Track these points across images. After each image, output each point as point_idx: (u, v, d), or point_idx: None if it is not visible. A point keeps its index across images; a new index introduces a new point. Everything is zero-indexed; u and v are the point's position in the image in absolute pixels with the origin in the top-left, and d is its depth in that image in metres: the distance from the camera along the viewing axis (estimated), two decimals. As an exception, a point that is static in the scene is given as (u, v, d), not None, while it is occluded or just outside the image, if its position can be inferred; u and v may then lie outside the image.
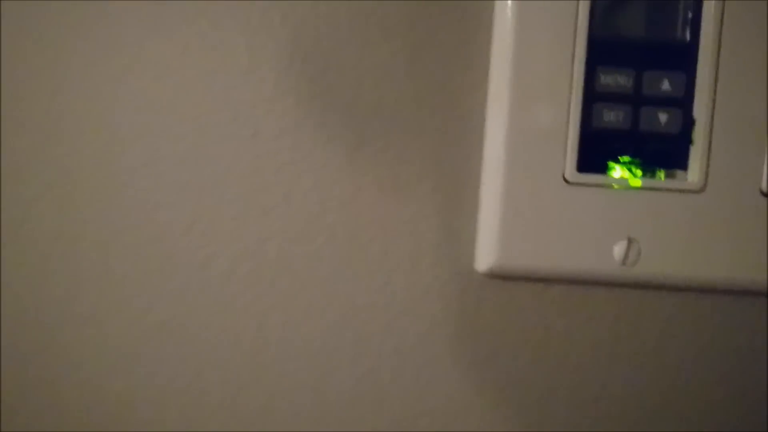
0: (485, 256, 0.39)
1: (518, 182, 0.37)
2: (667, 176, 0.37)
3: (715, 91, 0.36)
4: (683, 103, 0.36)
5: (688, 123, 0.37)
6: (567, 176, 0.37)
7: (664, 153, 0.37)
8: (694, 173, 0.37)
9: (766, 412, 0.41)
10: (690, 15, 0.36)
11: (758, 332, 0.41)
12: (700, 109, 0.36)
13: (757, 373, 0.41)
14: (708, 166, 0.37)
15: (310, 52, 0.39)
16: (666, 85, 0.36)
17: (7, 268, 0.41)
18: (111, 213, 0.41)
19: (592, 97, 0.37)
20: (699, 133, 0.36)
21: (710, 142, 0.36)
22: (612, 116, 0.37)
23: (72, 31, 0.40)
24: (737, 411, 0.41)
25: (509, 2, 0.37)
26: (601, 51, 0.36)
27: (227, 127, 0.40)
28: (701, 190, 0.37)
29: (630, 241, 0.37)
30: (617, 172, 0.37)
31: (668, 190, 0.37)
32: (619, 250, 0.37)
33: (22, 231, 0.41)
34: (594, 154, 0.37)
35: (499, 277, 0.40)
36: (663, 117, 0.36)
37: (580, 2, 0.36)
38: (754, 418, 0.41)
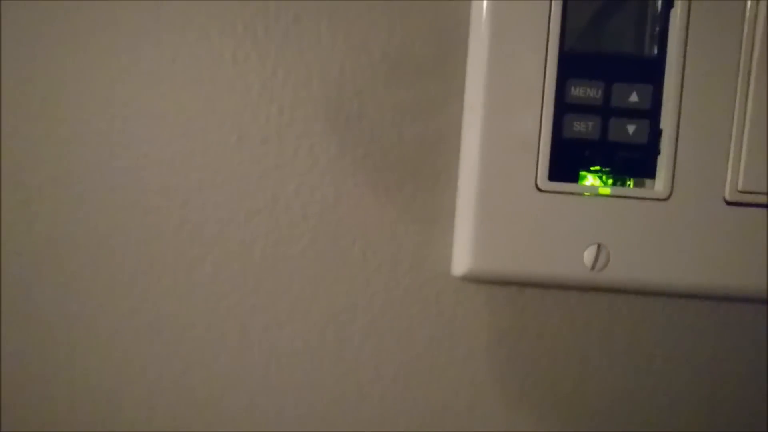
0: (461, 261, 0.39)
1: (492, 190, 0.38)
2: (635, 185, 0.38)
3: (680, 103, 0.37)
4: (650, 114, 0.37)
5: (655, 134, 0.37)
6: (539, 184, 0.38)
7: (632, 162, 0.37)
8: (660, 182, 0.37)
9: (737, 412, 0.42)
10: (657, 30, 0.37)
11: (722, 334, 0.41)
12: (666, 121, 0.37)
13: (725, 374, 0.42)
14: (674, 175, 0.37)
15: (292, 61, 0.40)
16: (634, 97, 0.37)
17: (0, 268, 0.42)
18: (99, 216, 0.41)
19: (563, 108, 0.37)
20: (665, 144, 0.37)
21: (676, 152, 0.37)
22: (582, 127, 0.37)
23: (66, 40, 0.40)
24: (706, 413, 0.42)
25: (483, 17, 0.37)
26: (572, 64, 0.37)
27: (213, 133, 0.41)
28: (667, 198, 0.37)
29: (599, 246, 0.38)
30: (588, 180, 0.38)
31: (636, 198, 0.38)
32: (588, 255, 0.38)
33: (14, 234, 0.41)
34: (565, 163, 0.38)
35: (474, 280, 0.41)
36: (631, 128, 0.37)
37: (552, 18, 0.37)
38: (727, 417, 0.42)
